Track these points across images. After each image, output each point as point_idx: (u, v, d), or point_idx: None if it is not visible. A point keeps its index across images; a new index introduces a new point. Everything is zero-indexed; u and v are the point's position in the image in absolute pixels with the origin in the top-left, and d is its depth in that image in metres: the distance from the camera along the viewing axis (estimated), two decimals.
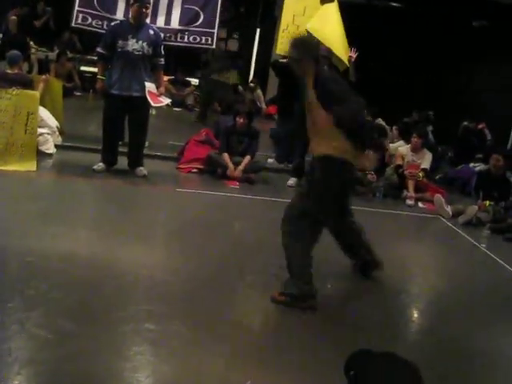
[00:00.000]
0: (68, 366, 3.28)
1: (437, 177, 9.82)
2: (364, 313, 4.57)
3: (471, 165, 10.13)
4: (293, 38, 4.57)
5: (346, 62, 7.97)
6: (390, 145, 9.78)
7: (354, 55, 8.08)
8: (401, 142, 9.86)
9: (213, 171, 8.30)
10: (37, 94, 7.74)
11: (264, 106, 14.93)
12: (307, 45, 4.56)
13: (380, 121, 11.22)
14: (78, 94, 13.30)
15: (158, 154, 8.76)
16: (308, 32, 8.01)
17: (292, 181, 8.32)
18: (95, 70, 9.23)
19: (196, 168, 8.38)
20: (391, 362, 1.74)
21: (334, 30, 8.04)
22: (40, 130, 7.74)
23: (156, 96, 7.44)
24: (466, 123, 12.02)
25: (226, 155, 8.24)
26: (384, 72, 13.75)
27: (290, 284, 4.44)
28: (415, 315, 4.95)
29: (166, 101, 7.84)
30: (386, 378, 1.68)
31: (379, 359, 1.77)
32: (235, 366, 3.56)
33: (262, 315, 4.39)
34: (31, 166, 7.21)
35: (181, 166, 8.42)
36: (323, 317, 4.37)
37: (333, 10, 8.21)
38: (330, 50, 7.82)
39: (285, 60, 10.85)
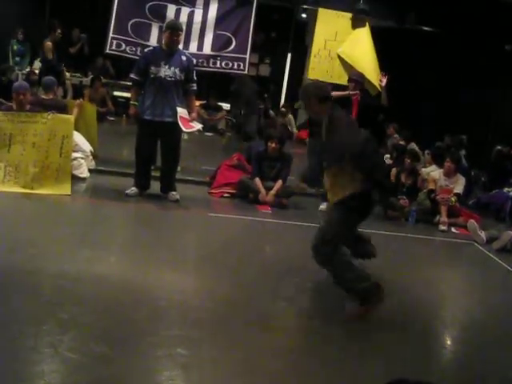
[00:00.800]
0: None
1: (470, 202, 9.70)
2: (395, 337, 4.50)
3: (505, 190, 9.97)
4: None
5: (378, 87, 7.95)
6: (423, 169, 9.70)
7: (385, 80, 8.05)
8: (433, 167, 9.76)
9: (245, 196, 8.31)
10: (71, 117, 7.86)
11: (295, 130, 14.96)
12: (310, 88, 5.01)
13: (413, 145, 11.16)
14: (112, 118, 13.47)
15: (190, 178, 8.80)
16: (339, 57, 8.07)
17: (324, 205, 8.23)
18: (128, 95, 9.35)
19: (228, 193, 8.40)
20: None
21: (365, 54, 8.04)
22: (74, 155, 7.83)
23: (188, 121, 7.49)
24: (499, 147, 11.86)
25: (257, 180, 8.25)
26: (416, 96, 13.71)
27: (351, 298, 4.70)
28: (448, 342, 4.86)
29: (198, 126, 7.88)
30: None
31: None
32: None
33: (296, 340, 4.35)
34: (66, 189, 7.29)
35: (213, 191, 8.45)
36: (360, 346, 4.32)
37: (364, 34, 8.23)
38: (361, 75, 7.83)
39: None
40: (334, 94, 7.80)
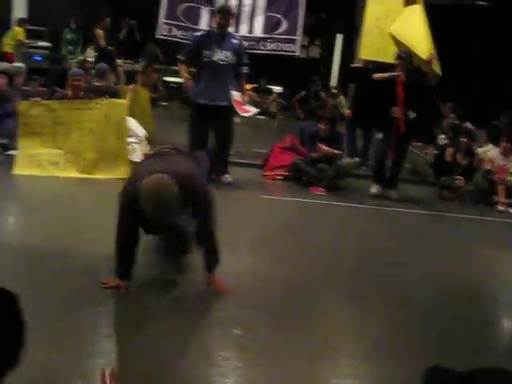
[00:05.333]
0: (157, 372, 3.33)
1: None
2: (454, 323, 4.43)
3: None
4: None
5: (433, 64, 7.78)
6: (479, 149, 9.49)
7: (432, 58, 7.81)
8: (490, 146, 9.55)
9: (298, 178, 8.28)
10: (125, 101, 7.97)
11: (346, 111, 14.80)
12: None
13: (468, 124, 10.93)
14: (164, 103, 13.58)
15: (244, 161, 8.82)
16: (391, 35, 7.94)
17: (375, 189, 8.08)
18: (179, 79, 9.35)
19: (281, 175, 8.40)
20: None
21: (417, 32, 7.88)
22: (128, 140, 7.94)
23: (242, 105, 7.48)
24: None
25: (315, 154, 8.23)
26: (471, 74, 13.41)
27: None
28: (508, 324, 4.77)
29: (254, 111, 7.86)
30: None
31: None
32: (322, 373, 3.53)
33: (350, 322, 4.32)
34: (124, 172, 7.37)
35: (266, 173, 8.46)
36: (416, 328, 4.28)
37: (417, 11, 8.07)
38: (410, 52, 7.67)
39: (358, 65, 10.78)
40: (377, 75, 7.69)
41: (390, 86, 7.49)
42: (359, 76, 9.80)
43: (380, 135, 8.00)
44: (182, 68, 7.80)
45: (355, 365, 3.63)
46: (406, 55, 7.61)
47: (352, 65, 9.96)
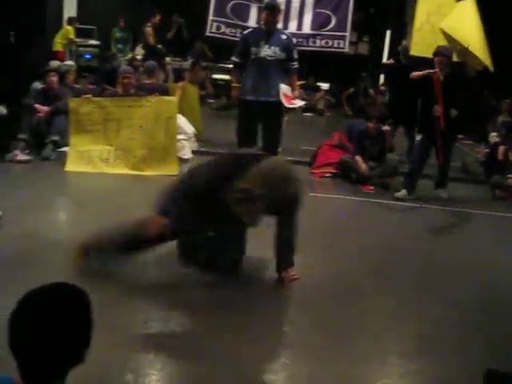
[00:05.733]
0: (207, 365, 3.33)
1: None
2: (505, 326, 4.34)
3: None
4: None
5: (485, 61, 7.61)
6: None
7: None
8: None
9: (346, 175, 8.21)
10: (175, 99, 8.04)
11: None
12: None
13: None
14: (212, 101, 13.64)
15: (291, 158, 8.77)
16: (443, 31, 7.79)
17: (402, 193, 7.54)
18: (227, 77, 9.39)
19: (329, 172, 8.35)
20: None
21: (470, 27, 7.71)
22: (177, 137, 7.99)
23: (290, 98, 7.47)
24: None
25: (359, 157, 8.11)
26: None
27: None
28: None
29: (300, 103, 7.86)
30: None
31: None
32: (371, 372, 3.49)
33: (399, 321, 4.26)
34: (173, 169, 7.43)
35: (314, 171, 8.42)
36: (465, 327, 4.20)
37: (469, 6, 7.89)
38: (448, 48, 7.49)
39: (390, 61, 10.63)
40: (414, 74, 7.53)
41: (428, 84, 7.33)
42: (393, 73, 9.72)
43: (419, 137, 7.83)
44: (234, 73, 7.85)
45: (404, 364, 3.58)
46: (444, 51, 7.42)
47: (384, 61, 9.86)
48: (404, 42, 10.10)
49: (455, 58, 7.78)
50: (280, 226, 4.38)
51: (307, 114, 13.67)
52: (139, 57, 13.26)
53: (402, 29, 13.63)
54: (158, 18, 13.93)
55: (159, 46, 13.77)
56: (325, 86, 15.13)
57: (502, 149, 8.73)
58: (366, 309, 4.34)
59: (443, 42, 7.86)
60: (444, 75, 7.35)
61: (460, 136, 13.00)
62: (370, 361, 3.61)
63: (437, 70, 7.32)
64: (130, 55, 14.38)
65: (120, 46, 15.21)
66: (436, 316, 4.31)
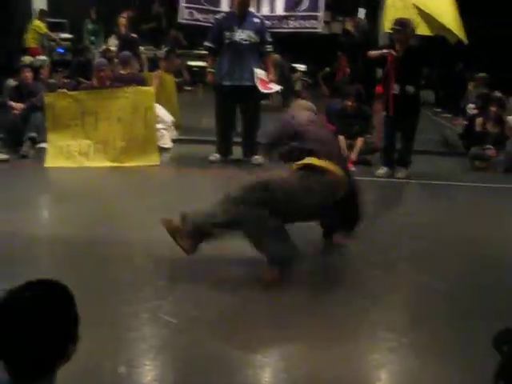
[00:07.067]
0: (200, 351, 3.35)
1: None
2: (488, 291, 4.39)
3: None
4: None
5: (459, 33, 7.63)
6: (509, 117, 9.32)
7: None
8: None
9: None
10: (151, 88, 7.99)
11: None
12: None
13: (497, 93, 10.73)
14: (188, 88, 13.56)
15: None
16: (415, 6, 7.81)
17: (382, 170, 7.55)
18: (202, 63, 9.34)
19: None
20: None
21: (442, 0, 7.75)
22: (156, 126, 7.96)
23: (266, 83, 7.47)
24: None
25: (341, 138, 8.07)
26: (497, 40, 13.11)
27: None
28: None
29: (276, 88, 7.84)
30: None
31: None
32: (361, 347, 3.53)
33: (388, 296, 4.31)
34: (154, 159, 7.45)
35: None
36: (455, 300, 4.25)
37: None
38: (405, 21, 7.42)
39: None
40: (370, 53, 7.49)
41: (385, 63, 7.27)
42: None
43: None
44: (209, 59, 7.84)
45: (395, 338, 3.61)
46: (400, 26, 7.21)
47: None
48: (358, 18, 10.09)
49: (428, 32, 7.78)
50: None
51: None
52: (113, 48, 13.14)
53: (376, 7, 13.61)
54: (132, 9, 13.88)
55: (133, 35, 13.65)
56: (301, 67, 15.07)
57: (479, 121, 8.80)
58: (354, 283, 4.40)
59: (417, 18, 7.87)
60: (404, 51, 7.20)
61: (438, 109, 13.24)
62: (360, 336, 3.64)
63: (390, 50, 7.20)
64: (103, 47, 14.24)
65: (93, 38, 15.08)
66: (426, 289, 4.35)
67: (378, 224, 5.67)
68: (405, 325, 3.85)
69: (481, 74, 11.87)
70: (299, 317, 3.83)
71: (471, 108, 10.36)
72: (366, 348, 3.53)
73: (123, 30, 13.49)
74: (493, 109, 8.70)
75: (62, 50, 15.05)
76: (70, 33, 15.72)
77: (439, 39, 8.17)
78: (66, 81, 10.69)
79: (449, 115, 12.23)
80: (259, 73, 7.36)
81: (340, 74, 10.91)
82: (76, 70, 11.12)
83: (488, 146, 8.35)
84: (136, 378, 3.11)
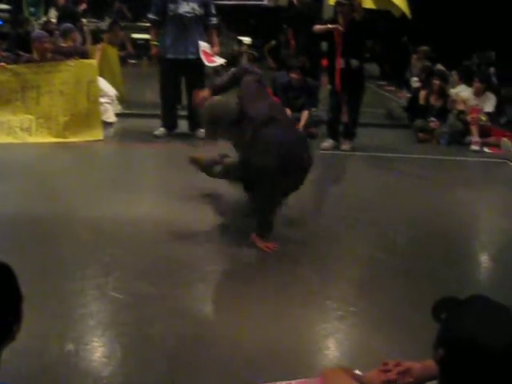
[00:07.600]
0: (148, 328, 3.34)
1: (501, 120, 9.48)
2: (434, 258, 4.50)
3: None
4: None
5: (403, 7, 7.67)
6: (451, 90, 9.50)
7: None
8: (462, 87, 9.54)
9: None
10: (94, 61, 7.84)
11: None
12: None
13: (440, 66, 10.91)
14: (132, 61, 13.38)
15: None
16: None
17: (327, 143, 7.68)
18: (147, 36, 9.19)
19: None
20: (485, 304, 1.69)
21: None
22: (100, 100, 7.82)
23: (210, 56, 7.41)
24: None
25: (287, 111, 8.07)
26: (440, 12, 13.25)
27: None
28: (485, 261, 4.85)
29: (220, 61, 7.77)
30: (483, 317, 1.64)
31: (469, 304, 1.72)
32: (310, 316, 3.58)
33: (332, 268, 4.37)
34: (98, 134, 7.33)
35: None
36: (402, 271, 4.34)
37: None
38: None
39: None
40: (316, 28, 7.48)
41: (330, 37, 7.28)
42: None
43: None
44: (152, 31, 7.70)
45: (342, 307, 3.67)
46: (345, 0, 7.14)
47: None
48: None
49: (372, 6, 7.78)
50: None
51: (231, 67, 13.54)
52: (54, 20, 12.79)
53: None
54: None
55: (73, 7, 13.29)
56: (247, 40, 15.00)
57: (422, 93, 8.94)
58: (300, 254, 4.44)
59: None
60: (347, 24, 7.17)
61: (382, 82, 13.39)
62: (308, 306, 3.68)
63: (337, 26, 7.20)
64: (43, 19, 13.85)
65: (32, 9, 14.61)
66: (372, 260, 4.44)
67: (323, 196, 5.73)
68: (352, 295, 3.92)
69: (423, 47, 12.01)
70: (248, 288, 3.87)
71: (415, 81, 10.51)
72: (314, 318, 3.57)
73: (62, 0, 13.14)
74: (436, 82, 8.84)
75: None
76: (8, 3, 15.23)
77: (383, 12, 8.19)
78: (4, 54, 10.36)
79: (393, 88, 12.37)
80: (203, 45, 7.30)
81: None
82: (15, 42, 10.78)
83: (431, 119, 8.50)
84: (84, 356, 3.08)
